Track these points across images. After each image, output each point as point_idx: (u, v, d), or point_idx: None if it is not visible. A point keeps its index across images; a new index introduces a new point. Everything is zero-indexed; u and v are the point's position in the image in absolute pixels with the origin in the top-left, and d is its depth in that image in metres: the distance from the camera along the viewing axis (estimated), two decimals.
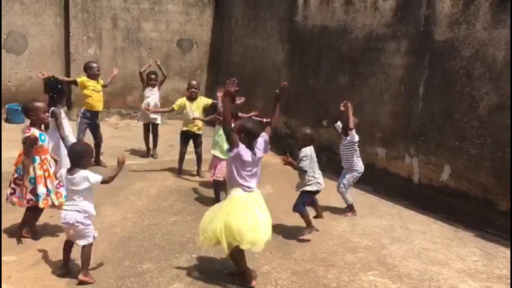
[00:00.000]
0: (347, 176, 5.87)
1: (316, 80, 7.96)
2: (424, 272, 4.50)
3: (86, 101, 7.15)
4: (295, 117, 8.35)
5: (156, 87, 7.93)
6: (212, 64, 11.13)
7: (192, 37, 10.95)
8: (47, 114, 4.75)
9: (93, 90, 7.10)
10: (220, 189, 5.78)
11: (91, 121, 7.16)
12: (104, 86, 7.36)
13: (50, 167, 4.66)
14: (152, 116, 7.83)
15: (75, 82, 7.24)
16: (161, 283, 4.04)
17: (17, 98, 9.52)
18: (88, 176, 3.90)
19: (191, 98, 6.96)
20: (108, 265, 4.26)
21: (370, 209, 6.10)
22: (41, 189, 4.56)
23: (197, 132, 7.01)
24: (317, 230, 5.10)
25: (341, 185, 5.87)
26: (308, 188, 5.03)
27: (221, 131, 5.59)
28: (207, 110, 7.12)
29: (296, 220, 5.23)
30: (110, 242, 4.73)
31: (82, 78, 7.16)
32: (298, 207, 5.04)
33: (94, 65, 7.26)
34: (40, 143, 4.56)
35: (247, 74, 9.71)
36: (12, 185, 4.64)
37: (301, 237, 5.01)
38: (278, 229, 5.09)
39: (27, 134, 4.52)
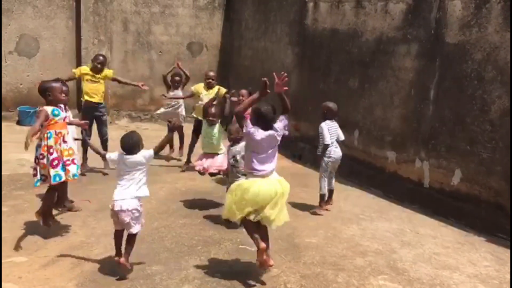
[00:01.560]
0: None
1: (325, 83, 7.94)
2: (435, 276, 4.45)
3: (83, 91, 7.00)
4: (305, 121, 8.33)
5: (180, 89, 7.99)
6: (222, 67, 11.15)
7: (202, 40, 11.00)
8: (63, 95, 4.79)
9: (89, 80, 6.91)
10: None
11: (92, 114, 6.88)
12: (113, 79, 7.21)
13: (65, 142, 4.69)
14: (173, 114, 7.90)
15: (73, 75, 7.00)
16: (170, 285, 4.04)
17: (28, 101, 9.62)
18: (144, 155, 4.06)
19: (208, 87, 7.30)
20: (117, 267, 4.27)
21: (380, 213, 6.07)
22: (55, 169, 4.59)
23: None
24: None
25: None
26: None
27: (210, 130, 5.83)
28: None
29: (305, 222, 5.21)
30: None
31: (78, 68, 7.13)
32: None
33: (100, 57, 7.11)
34: (51, 116, 4.60)
35: (257, 77, 9.64)
36: (33, 165, 4.71)
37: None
38: (287, 232, 5.08)
39: (39, 109, 4.64)
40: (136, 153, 4.07)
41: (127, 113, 10.63)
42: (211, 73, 7.50)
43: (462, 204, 5.78)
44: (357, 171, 7.23)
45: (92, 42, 10.02)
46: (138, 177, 4.07)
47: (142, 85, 7.33)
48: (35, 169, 4.72)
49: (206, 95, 7.20)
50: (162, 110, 8.19)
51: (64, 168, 4.63)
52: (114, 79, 7.29)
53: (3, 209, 5.43)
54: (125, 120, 10.59)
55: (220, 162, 5.80)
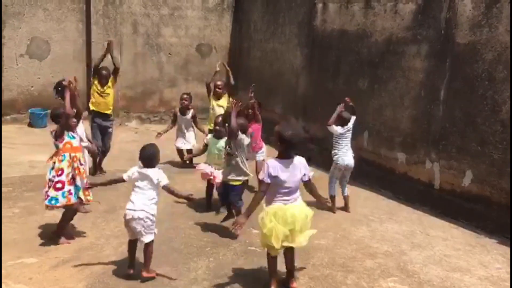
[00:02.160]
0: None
1: (335, 84, 7.91)
2: (445, 279, 4.42)
3: (91, 100, 7.01)
4: (314, 122, 8.31)
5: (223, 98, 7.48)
6: (231, 69, 11.14)
7: (211, 42, 11.01)
8: (74, 120, 4.83)
9: (98, 92, 6.91)
10: (208, 190, 5.91)
11: (100, 124, 6.93)
12: (113, 75, 7.03)
13: (81, 164, 4.72)
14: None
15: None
16: (179, 286, 4.05)
17: (39, 103, 9.69)
18: (159, 176, 4.07)
19: (217, 97, 7.25)
20: (126, 268, 4.28)
21: (390, 214, 6.03)
22: (66, 187, 4.59)
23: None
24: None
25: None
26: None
27: (217, 143, 5.68)
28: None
29: (314, 224, 5.17)
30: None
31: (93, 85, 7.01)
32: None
33: (103, 72, 6.97)
34: (67, 138, 4.65)
35: (266, 79, 9.72)
36: (46, 189, 4.65)
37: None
38: None
39: (53, 130, 4.71)
40: (152, 166, 4.10)
41: (137, 115, 10.67)
42: (219, 82, 7.41)
43: (473, 205, 5.72)
44: (366, 172, 7.18)
45: (102, 44, 10.06)
46: (149, 192, 4.08)
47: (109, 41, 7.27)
48: (46, 192, 4.64)
49: (218, 105, 7.19)
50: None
51: (64, 195, 4.59)
52: (114, 75, 7.09)
53: (14, 210, 5.48)
54: (135, 122, 10.62)
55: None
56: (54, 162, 4.61)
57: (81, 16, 9.96)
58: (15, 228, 5.01)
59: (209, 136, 6.04)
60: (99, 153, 6.68)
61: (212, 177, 5.68)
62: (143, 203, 4.04)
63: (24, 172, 6.79)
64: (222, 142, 5.60)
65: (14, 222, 5.16)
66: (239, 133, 5.09)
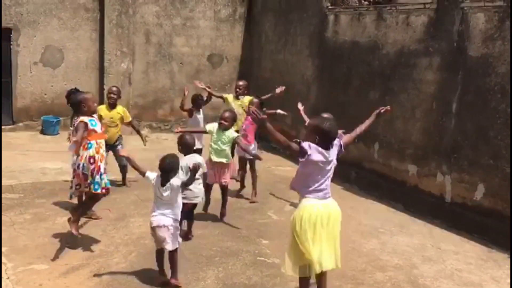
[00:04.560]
0: None
1: (346, 95, 7.91)
2: None
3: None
4: None
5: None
6: (242, 79, 11.19)
7: (223, 52, 11.08)
8: (95, 104, 4.96)
9: (108, 125, 6.30)
10: (209, 193, 5.76)
11: (108, 148, 6.23)
12: (128, 123, 6.81)
13: (105, 150, 4.90)
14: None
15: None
16: None
17: (52, 110, 9.80)
18: (177, 184, 4.09)
19: (236, 97, 7.31)
20: (135, 276, 4.29)
21: (401, 227, 5.98)
22: (96, 177, 4.69)
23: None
24: None
25: None
26: None
27: (221, 134, 5.63)
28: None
29: None
30: (139, 253, 4.77)
31: (100, 107, 6.50)
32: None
33: (114, 88, 6.73)
34: (90, 127, 4.70)
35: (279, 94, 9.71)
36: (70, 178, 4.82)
37: None
38: None
39: (76, 122, 4.72)
40: (171, 176, 4.11)
41: (148, 124, 10.72)
42: (240, 83, 7.52)
43: (485, 219, 5.66)
44: (377, 184, 7.15)
45: (115, 53, 10.17)
46: (170, 198, 4.10)
47: (145, 137, 7.03)
48: (71, 181, 4.84)
49: (235, 104, 7.23)
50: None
51: (101, 177, 4.72)
52: (128, 124, 6.87)
53: (25, 216, 5.52)
54: (146, 131, 10.66)
55: (230, 174, 5.75)
56: (78, 150, 4.68)
57: (94, 26, 10.07)
58: (26, 234, 5.04)
59: (214, 125, 5.82)
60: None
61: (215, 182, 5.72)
62: (163, 213, 4.07)
63: (35, 179, 6.85)
64: (227, 134, 5.63)
65: (25, 228, 5.19)
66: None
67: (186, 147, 5.00)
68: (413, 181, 6.68)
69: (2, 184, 6.35)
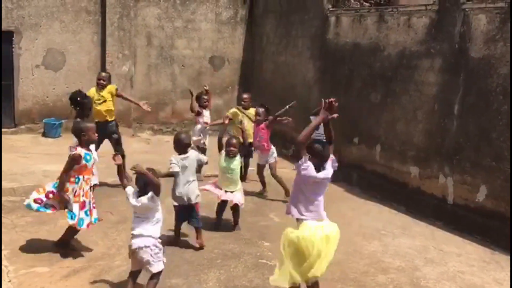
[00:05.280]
0: None
1: (347, 97, 7.90)
2: None
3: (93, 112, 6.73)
4: None
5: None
6: (243, 81, 11.20)
7: (224, 54, 11.09)
8: (96, 134, 4.84)
9: (95, 102, 6.67)
10: (221, 212, 5.67)
11: (102, 134, 6.31)
12: (117, 95, 6.96)
13: (90, 185, 4.76)
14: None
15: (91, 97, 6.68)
16: None
17: (54, 113, 9.80)
18: (150, 197, 3.87)
19: (244, 108, 7.48)
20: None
21: (403, 229, 5.96)
22: (82, 213, 4.60)
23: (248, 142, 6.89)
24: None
25: None
26: None
27: (229, 163, 5.45)
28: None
29: None
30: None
31: (90, 90, 6.90)
32: None
33: (103, 74, 7.07)
34: (83, 162, 4.61)
35: (278, 91, 9.73)
36: (40, 196, 4.60)
37: None
38: None
39: (73, 152, 4.60)
40: (147, 192, 3.90)
41: (149, 126, 10.73)
42: (245, 95, 7.72)
43: (487, 221, 5.64)
44: (379, 185, 7.13)
45: (116, 56, 10.18)
46: (150, 215, 3.91)
47: (144, 104, 7.08)
48: (40, 199, 4.61)
49: (244, 117, 7.37)
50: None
51: (87, 213, 4.65)
52: (118, 95, 7.05)
53: (27, 219, 5.52)
54: (147, 133, 10.69)
55: (238, 199, 5.56)
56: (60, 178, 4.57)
57: (96, 28, 10.09)
58: (28, 237, 5.04)
59: (223, 155, 5.63)
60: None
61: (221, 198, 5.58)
62: (143, 233, 3.85)
63: (37, 181, 6.82)
64: (235, 162, 5.49)
65: (27, 231, 5.19)
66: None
67: (181, 146, 4.98)
68: (415, 183, 6.67)
69: (4, 187, 6.36)
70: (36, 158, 8.05)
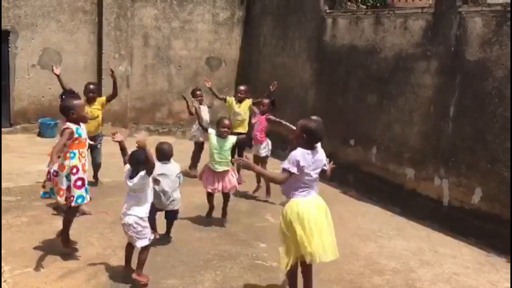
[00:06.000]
0: None
1: (344, 99, 7.92)
2: None
3: None
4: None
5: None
6: (240, 82, 11.13)
7: (221, 55, 11.09)
8: (85, 111, 4.81)
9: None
10: (212, 199, 5.79)
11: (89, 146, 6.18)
12: (107, 100, 6.70)
13: (86, 160, 4.73)
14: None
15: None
16: None
17: (49, 113, 9.75)
18: (142, 176, 4.09)
19: (239, 101, 7.47)
20: (133, 280, 4.27)
21: (398, 230, 5.98)
22: (81, 190, 4.55)
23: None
24: None
25: None
26: None
27: (222, 143, 5.54)
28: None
29: None
30: (135, 256, 4.75)
31: None
32: None
33: (90, 86, 6.67)
34: (76, 135, 4.54)
35: (275, 93, 9.71)
36: (45, 179, 4.68)
37: None
38: None
39: (64, 127, 4.56)
40: (140, 170, 4.11)
41: (146, 126, 10.71)
42: (241, 87, 7.67)
43: (482, 223, 5.67)
44: (375, 187, 7.15)
45: (113, 56, 10.17)
46: (141, 196, 4.15)
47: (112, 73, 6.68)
48: (45, 181, 4.70)
49: (238, 108, 7.41)
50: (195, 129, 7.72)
51: (87, 190, 4.63)
52: (108, 99, 6.77)
53: (22, 219, 5.51)
54: (144, 133, 10.65)
55: (232, 181, 5.64)
56: (59, 157, 4.41)
57: (93, 28, 10.07)
58: (23, 237, 5.02)
59: (213, 135, 5.68)
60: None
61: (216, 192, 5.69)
62: (130, 211, 4.11)
63: (33, 181, 6.82)
64: (228, 141, 5.59)
65: (22, 231, 5.18)
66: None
67: (163, 154, 5.02)
68: (411, 185, 6.69)
69: None
70: (31, 158, 8.02)
